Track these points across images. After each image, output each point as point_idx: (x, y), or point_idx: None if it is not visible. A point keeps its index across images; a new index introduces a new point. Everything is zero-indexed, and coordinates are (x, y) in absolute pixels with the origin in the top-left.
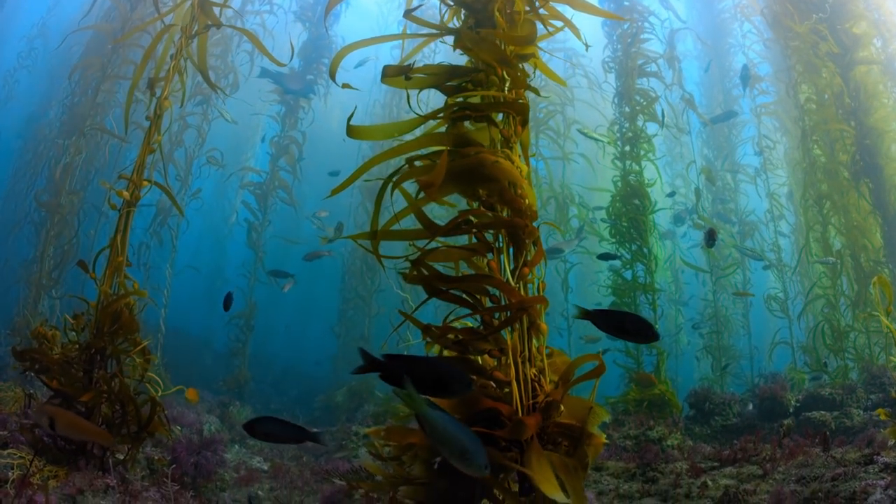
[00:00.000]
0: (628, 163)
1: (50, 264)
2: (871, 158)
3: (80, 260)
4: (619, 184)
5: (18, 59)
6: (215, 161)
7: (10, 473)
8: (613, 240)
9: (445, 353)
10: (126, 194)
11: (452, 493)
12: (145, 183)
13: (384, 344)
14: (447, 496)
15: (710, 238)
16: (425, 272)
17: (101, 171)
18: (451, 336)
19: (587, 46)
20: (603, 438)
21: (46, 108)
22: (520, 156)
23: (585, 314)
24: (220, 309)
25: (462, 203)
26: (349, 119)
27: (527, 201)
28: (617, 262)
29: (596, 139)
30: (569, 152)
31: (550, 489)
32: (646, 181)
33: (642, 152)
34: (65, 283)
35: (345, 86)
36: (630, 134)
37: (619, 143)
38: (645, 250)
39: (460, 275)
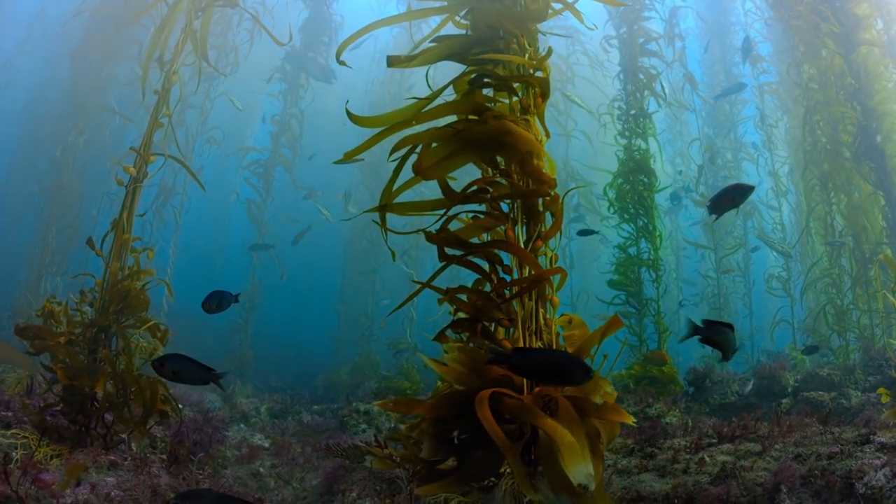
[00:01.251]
0: (634, 139)
1: (52, 245)
2: (873, 140)
3: (89, 238)
4: (625, 160)
5: (17, 45)
6: (215, 140)
7: (14, 453)
8: (619, 217)
9: (459, 314)
10: (133, 170)
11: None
12: (152, 158)
13: (383, 322)
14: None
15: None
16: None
17: (103, 152)
18: (464, 297)
19: (593, 28)
20: (623, 418)
21: (47, 92)
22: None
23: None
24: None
25: (463, 180)
26: (346, 104)
27: (547, 172)
28: (629, 240)
29: (580, 105)
30: (570, 130)
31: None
32: (651, 158)
33: (648, 130)
34: (68, 263)
35: (341, 63)
36: (634, 111)
37: (620, 119)
38: (650, 227)
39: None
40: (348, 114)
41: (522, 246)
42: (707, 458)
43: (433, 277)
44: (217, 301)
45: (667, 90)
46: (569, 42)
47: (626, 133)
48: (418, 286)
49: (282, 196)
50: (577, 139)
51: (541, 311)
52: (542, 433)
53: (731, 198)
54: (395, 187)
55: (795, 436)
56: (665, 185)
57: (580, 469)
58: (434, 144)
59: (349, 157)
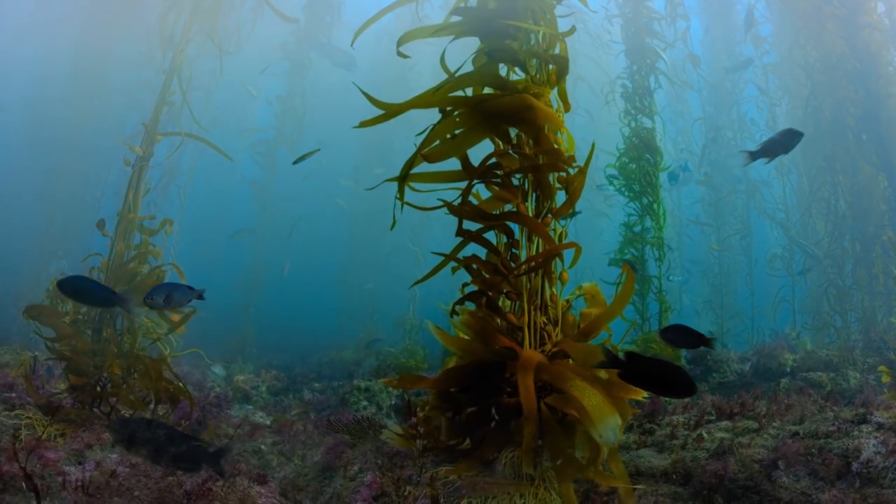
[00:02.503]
0: (638, 117)
1: (58, 227)
2: (876, 122)
3: (100, 220)
4: (632, 139)
5: (21, 28)
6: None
7: (19, 433)
8: (625, 195)
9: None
10: (139, 150)
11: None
12: (159, 138)
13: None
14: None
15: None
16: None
17: (108, 133)
18: (474, 266)
19: (595, 11)
20: (634, 394)
21: (51, 75)
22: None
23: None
24: (222, 267)
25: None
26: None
27: (565, 148)
28: (633, 217)
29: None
30: (572, 109)
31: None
32: (657, 136)
33: (652, 108)
34: (76, 246)
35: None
36: (640, 90)
37: (624, 98)
38: (654, 205)
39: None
40: (371, 100)
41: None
42: (705, 435)
43: (456, 251)
44: (165, 295)
45: (670, 69)
46: (570, 20)
47: (632, 111)
48: (442, 258)
49: (286, 175)
50: (579, 116)
51: (547, 285)
52: (545, 409)
53: (783, 143)
54: (423, 152)
55: (794, 414)
56: (668, 165)
57: (609, 423)
58: (457, 113)
59: (365, 126)
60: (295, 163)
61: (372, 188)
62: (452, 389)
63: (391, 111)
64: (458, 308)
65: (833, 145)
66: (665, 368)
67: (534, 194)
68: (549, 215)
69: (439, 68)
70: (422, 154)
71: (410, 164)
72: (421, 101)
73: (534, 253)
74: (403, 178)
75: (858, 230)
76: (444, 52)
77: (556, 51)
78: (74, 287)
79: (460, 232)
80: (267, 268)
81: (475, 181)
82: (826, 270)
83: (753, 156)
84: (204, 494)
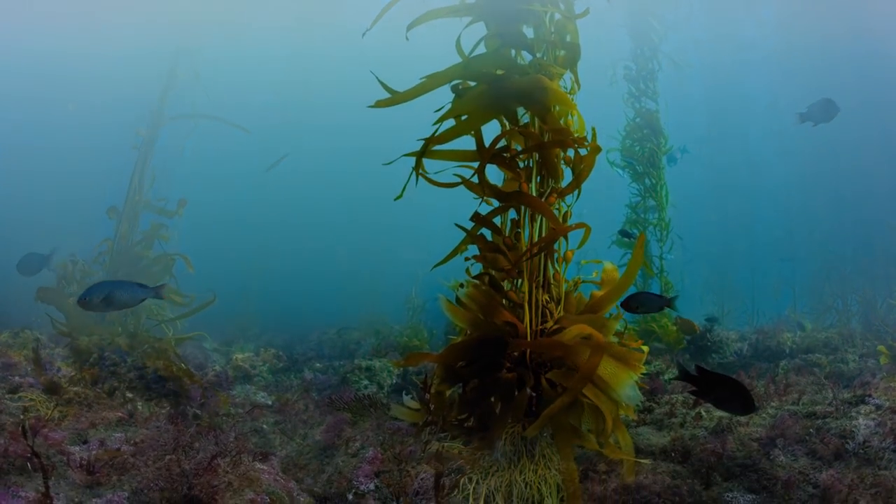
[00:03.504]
0: (642, 99)
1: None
2: (879, 107)
3: (110, 207)
4: (636, 120)
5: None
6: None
7: (23, 414)
8: (629, 176)
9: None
10: (143, 132)
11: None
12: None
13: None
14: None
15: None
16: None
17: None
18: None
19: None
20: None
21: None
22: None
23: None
24: (224, 250)
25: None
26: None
27: (576, 130)
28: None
29: None
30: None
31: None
32: (659, 119)
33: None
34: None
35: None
36: (645, 72)
37: (627, 80)
38: (658, 186)
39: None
40: (385, 88)
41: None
42: (704, 414)
43: (476, 228)
44: (104, 295)
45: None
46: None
47: (635, 92)
48: (465, 234)
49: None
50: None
51: (549, 264)
52: (545, 384)
53: (824, 109)
54: (436, 134)
55: (792, 395)
56: (670, 147)
57: (627, 385)
58: (470, 91)
59: (381, 105)
60: (267, 170)
61: (389, 163)
62: (459, 364)
63: (406, 96)
64: (464, 282)
65: (836, 129)
66: (731, 385)
67: (541, 172)
68: (554, 195)
69: (451, 49)
70: (435, 136)
71: (429, 141)
72: (435, 81)
73: (536, 231)
74: (422, 153)
75: (860, 215)
76: (459, 35)
77: (568, 39)
78: (102, 296)
79: (475, 217)
80: (268, 250)
81: (487, 162)
82: (827, 255)
83: (802, 117)
84: (207, 471)
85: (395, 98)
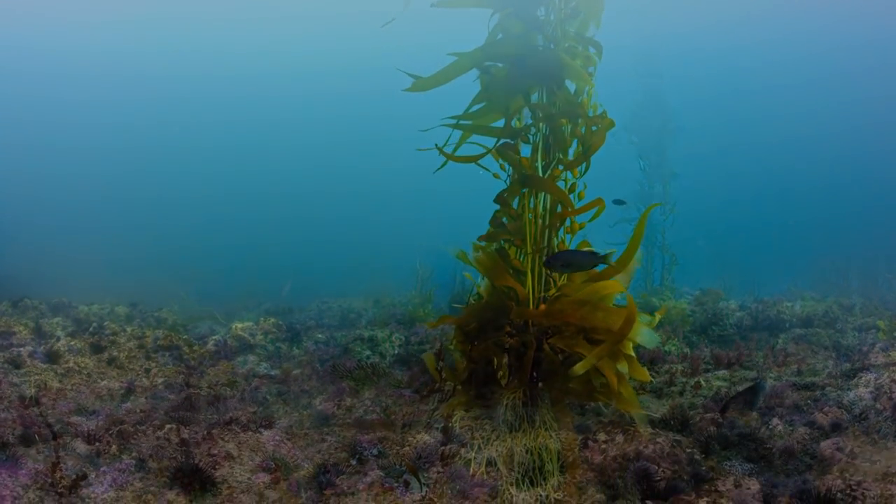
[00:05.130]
0: (648, 78)
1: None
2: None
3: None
4: (640, 98)
5: None
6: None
7: (28, 389)
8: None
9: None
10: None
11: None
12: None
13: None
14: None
15: None
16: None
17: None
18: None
19: None
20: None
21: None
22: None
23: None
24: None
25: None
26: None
27: (584, 103)
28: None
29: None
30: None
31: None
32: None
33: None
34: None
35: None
36: (652, 52)
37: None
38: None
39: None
40: (412, 77)
41: (540, 173)
42: (703, 383)
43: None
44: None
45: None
46: None
47: (642, 71)
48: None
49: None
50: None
51: (554, 235)
52: (547, 350)
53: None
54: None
55: (791, 366)
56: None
57: (642, 331)
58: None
59: (415, 90)
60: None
61: (427, 129)
62: (471, 325)
63: (438, 79)
64: (475, 245)
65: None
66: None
67: (548, 145)
68: (560, 167)
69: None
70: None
71: (465, 114)
72: (460, 66)
73: (540, 203)
74: (457, 122)
75: (862, 193)
76: (490, 17)
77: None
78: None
79: (498, 198)
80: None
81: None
82: (829, 231)
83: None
84: (209, 438)
85: (426, 83)
